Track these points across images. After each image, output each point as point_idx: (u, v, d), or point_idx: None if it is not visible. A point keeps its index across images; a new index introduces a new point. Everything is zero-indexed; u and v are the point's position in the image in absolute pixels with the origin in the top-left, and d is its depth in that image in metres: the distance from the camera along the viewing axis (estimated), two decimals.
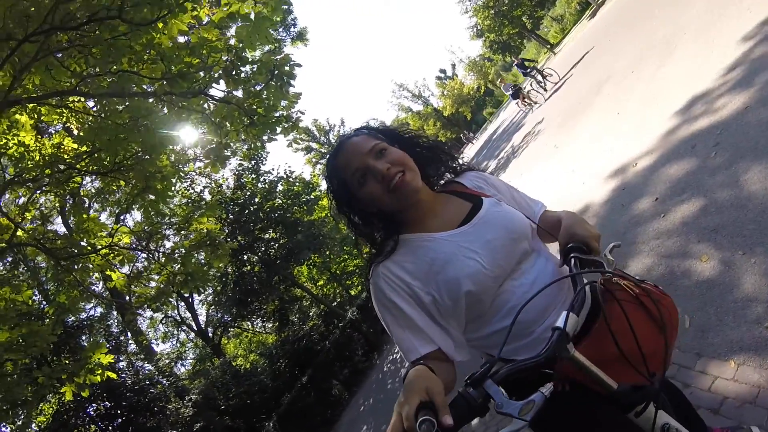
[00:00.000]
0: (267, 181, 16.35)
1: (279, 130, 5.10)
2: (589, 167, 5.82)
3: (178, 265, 5.49)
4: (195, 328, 22.20)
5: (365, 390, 10.68)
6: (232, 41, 4.67)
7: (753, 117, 3.27)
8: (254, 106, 4.76)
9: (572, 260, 1.07)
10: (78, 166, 5.10)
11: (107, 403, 11.63)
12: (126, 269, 6.02)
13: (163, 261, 5.54)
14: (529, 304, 1.01)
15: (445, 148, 1.40)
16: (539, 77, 15.65)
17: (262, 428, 11.82)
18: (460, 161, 1.43)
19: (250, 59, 4.54)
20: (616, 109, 6.64)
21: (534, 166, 8.90)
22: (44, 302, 11.62)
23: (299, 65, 4.77)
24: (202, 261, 6.10)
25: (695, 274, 2.69)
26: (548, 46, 30.04)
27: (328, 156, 1.32)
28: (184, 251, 5.58)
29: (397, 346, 1.18)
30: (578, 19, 27.90)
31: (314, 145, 46.01)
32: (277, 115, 4.94)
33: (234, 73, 4.46)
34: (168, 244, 6.82)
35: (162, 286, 5.59)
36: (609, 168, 5.17)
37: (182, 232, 6.08)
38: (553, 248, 1.28)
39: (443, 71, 60.60)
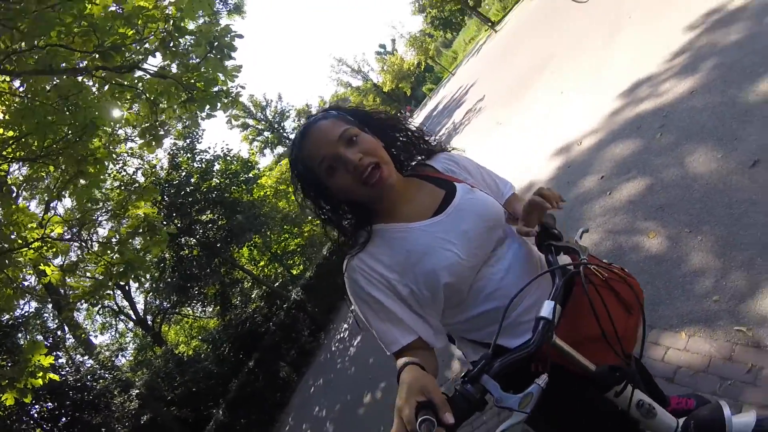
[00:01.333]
0: (203, 160, 15.78)
1: (219, 105, 4.84)
2: (533, 144, 5.94)
3: (115, 254, 5.18)
4: (134, 317, 21.33)
5: (314, 370, 10.65)
6: (170, 10, 4.32)
7: (698, 101, 3.40)
8: (192, 81, 4.48)
9: (550, 247, 1.09)
10: (4, 152, 4.67)
11: (50, 403, 11.12)
12: (59, 261, 5.60)
13: (98, 251, 5.20)
14: (503, 289, 1.12)
15: (419, 131, 1.34)
16: None
17: (211, 416, 11.56)
18: (432, 142, 1.37)
19: (188, 30, 4.23)
20: (560, 88, 6.78)
21: (476, 142, 8.98)
22: None
23: (240, 36, 4.52)
24: (139, 248, 5.77)
25: (643, 250, 2.79)
26: (489, 24, 30.40)
27: (293, 138, 1.24)
28: (120, 239, 5.24)
29: (377, 337, 1.15)
30: None
31: (251, 122, 44.56)
32: (216, 89, 4.67)
33: (171, 44, 4.15)
34: (102, 232, 6.42)
35: (100, 277, 5.26)
36: (553, 146, 5.28)
37: (117, 218, 5.70)
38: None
39: (383, 46, 60.24)
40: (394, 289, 1.13)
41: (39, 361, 5.00)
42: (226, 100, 4.90)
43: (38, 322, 14.67)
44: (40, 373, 5.00)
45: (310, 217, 21.16)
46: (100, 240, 5.52)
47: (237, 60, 4.80)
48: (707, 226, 2.50)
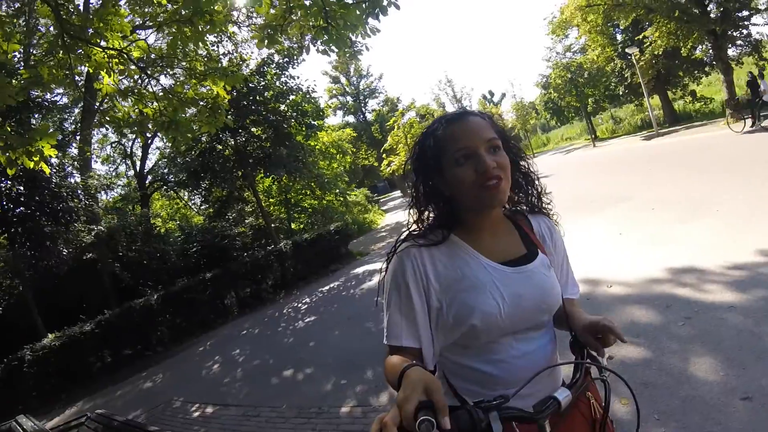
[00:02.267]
0: (286, 83, 15.93)
1: (341, 51, 4.91)
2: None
3: (171, 107, 5.25)
4: (137, 168, 21.62)
5: (256, 318, 10.72)
6: None
7: (731, 317, 3.40)
8: (336, 15, 4.54)
9: (585, 351, 1.16)
10: None
11: (21, 188, 11.10)
12: (120, 79, 5.68)
13: (159, 93, 5.29)
14: (511, 365, 1.15)
15: (539, 184, 1.35)
16: None
17: (143, 294, 11.65)
18: (544, 203, 1.37)
19: None
20: (621, 229, 6.80)
21: None
22: (21, 63, 10.91)
23: (398, 7, 4.59)
24: (193, 118, 5.87)
25: (610, 409, 2.80)
26: (593, 136, 30.37)
27: (441, 116, 1.24)
28: (183, 97, 5.32)
29: (384, 321, 1.19)
30: (632, 132, 28.29)
31: (343, 80, 45.06)
32: (348, 37, 4.75)
33: None
34: (166, 83, 6.50)
35: (144, 116, 5.33)
36: (585, 274, 5.28)
37: (192, 80, 5.78)
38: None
39: (491, 94, 60.30)
40: (429, 295, 1.15)
41: (43, 147, 4.95)
42: (349, 50, 4.99)
43: (58, 116, 15.00)
44: (37, 158, 4.97)
45: (337, 191, 21.52)
46: (167, 88, 5.58)
47: (379, 23, 4.88)
48: (675, 424, 2.52)
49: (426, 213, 1.26)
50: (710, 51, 17.41)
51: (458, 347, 1.18)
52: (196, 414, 5.60)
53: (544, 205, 1.37)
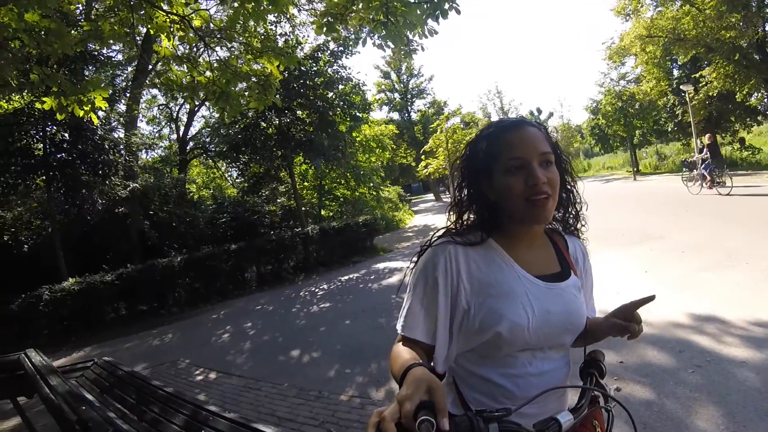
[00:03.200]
0: (337, 72, 16.11)
1: (397, 46, 4.97)
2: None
3: (224, 78, 5.41)
4: (180, 133, 22.20)
5: (273, 296, 10.94)
6: None
7: (742, 373, 3.36)
8: (396, 12, 4.60)
9: (589, 375, 1.19)
10: None
11: (66, 135, 11.44)
12: (177, 44, 5.85)
13: (215, 63, 5.44)
14: (526, 381, 1.15)
15: (579, 207, 1.34)
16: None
17: (167, 255, 11.96)
18: (581, 224, 1.37)
19: None
20: (647, 267, 6.72)
21: None
22: (83, 16, 11.28)
23: (458, 12, 4.61)
24: (244, 92, 6.02)
25: None
26: (635, 169, 29.68)
27: (498, 121, 1.24)
28: (237, 71, 5.45)
29: (401, 311, 1.19)
30: (675, 171, 27.50)
31: (393, 76, 45.12)
32: (406, 35, 4.82)
33: None
34: (222, 55, 6.66)
35: (197, 84, 5.49)
36: (604, 305, 5.18)
37: (249, 55, 5.91)
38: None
39: (539, 111, 59.44)
40: (457, 295, 1.14)
41: (95, 98, 5.10)
42: (405, 48, 5.05)
43: (110, 72, 15.40)
44: (88, 108, 5.13)
45: (371, 185, 21.64)
46: (221, 58, 5.71)
47: (438, 25, 4.92)
48: None
49: (467, 214, 1.26)
50: (766, 100, 16.83)
51: (476, 356, 1.18)
52: (199, 378, 5.78)
53: (579, 227, 1.36)
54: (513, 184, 1.11)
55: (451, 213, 1.29)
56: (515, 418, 1.07)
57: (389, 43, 5.11)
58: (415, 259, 1.24)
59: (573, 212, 1.33)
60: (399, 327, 1.19)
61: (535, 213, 1.11)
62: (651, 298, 1.19)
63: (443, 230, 1.26)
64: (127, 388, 3.20)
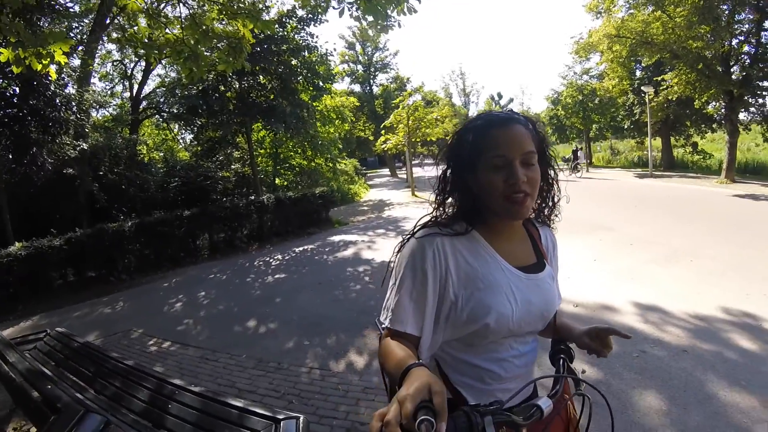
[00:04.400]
0: (303, 40, 15.65)
1: (373, 21, 4.87)
2: None
3: (193, 38, 5.15)
4: (133, 92, 21.08)
5: (226, 264, 10.71)
6: None
7: (683, 360, 3.65)
8: None
9: (560, 359, 1.27)
10: None
11: (17, 88, 10.58)
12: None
13: (185, 22, 5.15)
14: (510, 364, 1.25)
15: (557, 198, 1.38)
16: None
17: (117, 219, 11.43)
18: (555, 216, 1.43)
19: None
20: (596, 256, 7.05)
21: None
22: None
23: None
24: (213, 54, 5.75)
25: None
26: (588, 161, 30.74)
27: (488, 114, 1.24)
28: (208, 30, 5.18)
29: (388, 303, 1.21)
30: (627, 167, 28.74)
31: (358, 48, 44.33)
32: (386, 10, 4.71)
33: None
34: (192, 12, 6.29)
35: (164, 41, 5.20)
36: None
37: (222, 15, 5.61)
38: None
39: (500, 96, 60.16)
40: (445, 287, 1.17)
41: (55, 51, 4.78)
42: (381, 23, 4.96)
43: (66, 23, 14.35)
44: (47, 61, 4.81)
45: (328, 156, 21.39)
46: (193, 16, 5.41)
47: (417, 4, 4.85)
48: None
49: (449, 201, 1.28)
50: (722, 110, 17.72)
51: (462, 344, 1.22)
52: (153, 348, 5.59)
53: (552, 218, 1.42)
54: (494, 181, 1.14)
55: (433, 197, 1.30)
56: (498, 393, 1.20)
57: (368, 16, 5.00)
58: (398, 249, 1.26)
59: (550, 205, 1.38)
60: (386, 321, 1.19)
61: (513, 210, 1.15)
62: (627, 337, 1.33)
63: (427, 218, 1.28)
64: (84, 360, 3.07)
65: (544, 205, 1.37)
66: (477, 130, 1.20)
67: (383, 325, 1.21)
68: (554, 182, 1.34)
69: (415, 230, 1.25)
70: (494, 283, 1.18)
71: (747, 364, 3.51)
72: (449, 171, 1.27)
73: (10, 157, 11.22)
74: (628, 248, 7.34)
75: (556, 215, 1.42)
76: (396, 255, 1.26)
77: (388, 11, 4.96)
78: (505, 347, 1.23)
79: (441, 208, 1.29)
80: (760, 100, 17.21)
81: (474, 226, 1.24)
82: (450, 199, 1.28)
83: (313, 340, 5.11)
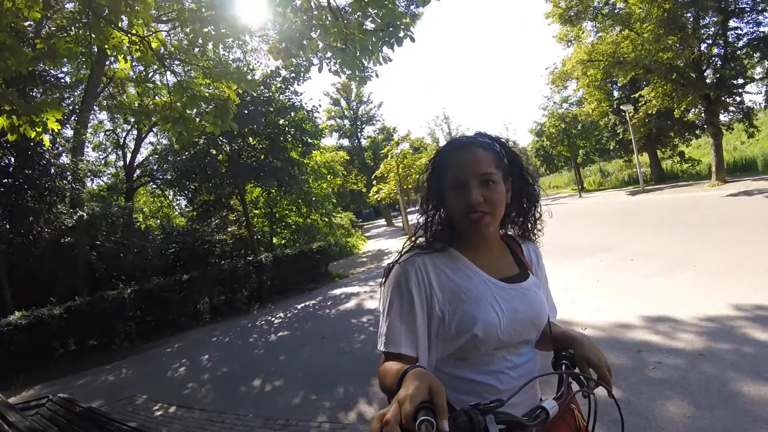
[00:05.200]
0: (289, 99, 16.08)
1: (352, 74, 5.02)
2: None
3: (180, 102, 5.28)
4: (127, 160, 21.42)
5: (228, 326, 10.54)
6: None
7: (701, 364, 3.54)
8: (354, 39, 4.66)
9: (563, 365, 1.22)
10: None
11: (12, 158, 10.81)
12: (132, 66, 5.67)
13: (173, 86, 5.30)
14: (505, 376, 1.22)
15: (539, 214, 1.42)
16: None
17: (116, 287, 11.37)
18: (538, 231, 1.45)
19: (384, 1, 4.47)
20: (599, 276, 6.97)
21: None
22: (33, 35, 10.83)
23: (413, 40, 4.75)
24: (200, 117, 5.88)
25: None
26: (580, 186, 31.00)
27: (452, 140, 1.32)
28: (195, 94, 5.33)
29: (381, 329, 1.21)
30: (618, 187, 28.99)
31: (343, 103, 45.49)
32: (362, 62, 4.88)
33: (365, 1, 4.38)
34: (178, 77, 6.48)
35: (153, 107, 5.34)
36: (560, 315, 5.35)
37: (207, 79, 5.79)
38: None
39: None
40: (431, 304, 1.19)
41: (48, 119, 4.89)
42: (359, 74, 5.12)
43: (58, 94, 14.72)
44: (40, 128, 4.91)
45: (323, 211, 21.52)
46: (180, 82, 5.58)
47: (393, 53, 5.02)
48: None
49: (432, 221, 1.32)
50: (702, 114, 18.11)
51: (455, 359, 1.22)
52: (159, 413, 5.44)
53: (535, 234, 1.44)
54: (455, 202, 1.21)
55: (419, 222, 1.35)
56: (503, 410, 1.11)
57: (345, 70, 5.16)
58: (384, 277, 1.29)
59: (532, 222, 1.41)
60: (381, 345, 1.20)
61: (474, 228, 1.21)
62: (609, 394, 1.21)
63: (410, 245, 1.32)
64: (87, 424, 2.97)
65: (523, 221, 1.41)
66: (442, 156, 1.29)
67: (378, 350, 1.21)
68: (535, 198, 1.39)
69: (398, 258, 1.28)
70: (478, 295, 1.20)
71: (767, 356, 3.43)
72: (429, 194, 1.32)
73: (7, 226, 11.26)
74: (629, 264, 7.29)
75: (540, 230, 1.45)
76: (382, 284, 1.28)
77: (364, 62, 5.12)
78: (499, 359, 1.23)
79: (424, 232, 1.33)
80: (738, 98, 17.62)
81: (453, 244, 1.29)
82: (433, 219, 1.33)
83: (321, 393, 4.95)
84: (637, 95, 19.77)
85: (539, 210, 1.41)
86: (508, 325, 1.19)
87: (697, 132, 23.60)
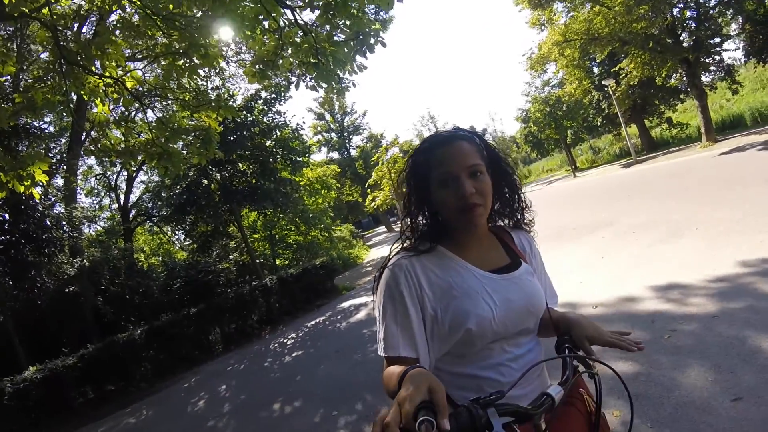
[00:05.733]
0: (273, 120, 16.13)
1: (330, 86, 5.05)
2: (553, 285, 6.01)
3: (163, 138, 5.29)
4: (121, 201, 21.45)
5: (242, 354, 10.50)
6: None
7: (716, 326, 3.51)
8: (326, 53, 4.68)
9: (565, 349, 1.19)
10: None
11: (6, 215, 10.88)
12: (112, 107, 5.70)
13: (153, 124, 5.33)
14: (507, 368, 1.20)
15: (525, 202, 1.42)
16: None
17: (126, 329, 11.37)
18: (527, 219, 1.44)
19: (350, 9, 4.48)
20: (603, 253, 6.94)
21: None
22: (11, 89, 10.89)
23: (384, 45, 4.76)
24: (185, 150, 5.90)
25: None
26: (573, 166, 31.03)
27: (432, 136, 1.31)
28: (176, 128, 5.35)
29: (378, 335, 1.21)
30: (611, 161, 29.03)
31: (328, 117, 45.63)
32: (337, 73, 4.89)
33: (332, 13, 4.41)
34: (159, 114, 6.53)
35: (136, 146, 5.35)
36: (570, 297, 5.38)
37: (186, 111, 5.82)
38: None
39: (473, 129, 61.28)
40: (423, 304, 1.19)
41: (34, 172, 4.92)
42: (337, 86, 5.14)
43: (44, 144, 14.81)
44: (28, 182, 4.95)
45: (321, 226, 21.54)
46: (159, 117, 5.60)
47: (366, 60, 5.04)
48: (668, 430, 2.55)
49: (418, 222, 1.32)
50: (684, 78, 18.16)
51: (453, 357, 1.21)
52: None
53: (525, 221, 1.43)
54: (445, 197, 1.20)
55: (403, 222, 1.35)
56: (507, 400, 1.08)
57: (322, 84, 5.18)
58: (375, 283, 1.29)
59: (518, 211, 1.41)
60: (381, 351, 1.19)
61: (467, 221, 1.20)
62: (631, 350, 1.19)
63: (398, 248, 1.32)
64: None
65: (510, 211, 1.40)
66: (424, 153, 1.27)
67: (381, 354, 1.20)
68: (517, 187, 1.39)
69: (387, 261, 1.28)
70: (468, 290, 1.19)
71: None
72: (411, 194, 1.31)
73: (11, 283, 11.30)
74: (631, 237, 7.27)
75: (531, 218, 1.45)
76: (374, 290, 1.29)
77: (339, 73, 5.13)
78: (498, 352, 1.21)
79: (410, 233, 1.32)
80: (717, 57, 17.68)
81: (440, 242, 1.28)
82: (419, 220, 1.32)
83: (341, 408, 4.91)
84: (617, 68, 19.87)
85: (523, 198, 1.41)
86: (502, 317, 1.17)
87: (682, 96, 23.71)
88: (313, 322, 11.08)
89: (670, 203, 8.76)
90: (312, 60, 4.78)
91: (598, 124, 28.76)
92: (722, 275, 4.42)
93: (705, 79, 18.36)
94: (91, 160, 19.55)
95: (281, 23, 4.83)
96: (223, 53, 11.45)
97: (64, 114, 9.43)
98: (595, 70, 25.25)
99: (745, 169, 9.45)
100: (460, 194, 1.16)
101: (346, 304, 11.95)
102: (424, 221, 1.31)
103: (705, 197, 8.10)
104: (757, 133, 16.14)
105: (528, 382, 1.20)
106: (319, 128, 45.08)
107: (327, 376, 6.38)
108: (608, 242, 7.54)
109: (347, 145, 45.72)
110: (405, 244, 1.32)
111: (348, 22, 4.58)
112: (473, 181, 1.18)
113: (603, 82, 22.16)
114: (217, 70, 12.88)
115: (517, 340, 1.23)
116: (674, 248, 5.89)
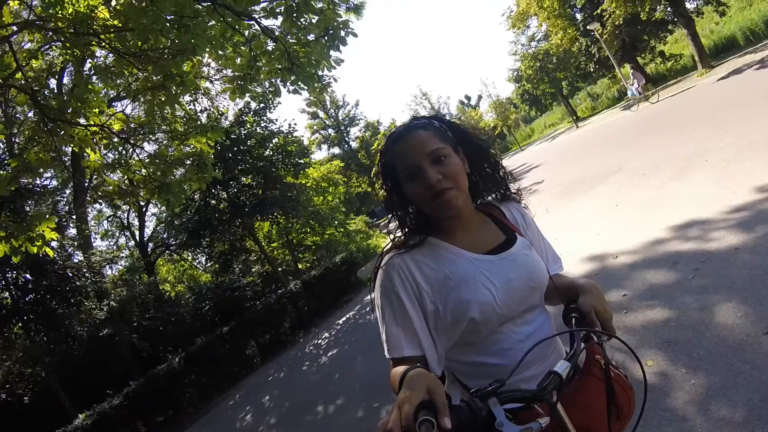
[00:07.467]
0: (267, 129, 16.15)
1: (310, 86, 5.03)
2: (570, 242, 5.97)
3: (159, 171, 5.33)
4: (137, 238, 21.72)
5: (280, 362, 10.66)
6: None
7: (739, 258, 3.44)
8: (298, 55, 4.66)
9: (573, 319, 1.14)
10: (102, 36, 4.87)
11: (28, 275, 11.17)
12: (104, 153, 5.78)
13: (146, 161, 5.37)
14: (518, 351, 1.13)
15: (506, 171, 1.39)
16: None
17: (164, 360, 11.61)
18: (513, 190, 1.41)
19: (314, 8, 4.44)
20: (616, 201, 6.85)
21: None
22: (6, 154, 11.10)
23: (355, 35, 4.73)
24: (182, 178, 5.95)
25: (636, 373, 2.79)
26: (574, 117, 30.59)
27: (391, 133, 1.28)
28: (169, 159, 5.40)
29: (381, 337, 1.19)
30: (611, 106, 28.57)
31: (321, 114, 45.53)
32: (315, 72, 4.88)
33: (295, 15, 4.37)
34: (150, 149, 6.61)
35: (134, 185, 5.42)
36: (589, 251, 5.34)
37: (175, 141, 5.88)
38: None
39: (468, 98, 60.92)
40: (422, 300, 1.16)
41: (43, 231, 4.99)
42: (317, 85, 5.12)
43: (51, 199, 15.10)
44: (39, 242, 5.00)
45: (336, 223, 21.61)
46: (151, 152, 5.67)
47: (341, 54, 5.01)
48: (703, 373, 2.52)
49: (405, 218, 1.30)
50: (669, 8, 17.70)
51: (462, 346, 1.19)
52: None
53: (512, 192, 1.41)
54: (414, 190, 1.18)
55: (391, 220, 1.34)
56: (519, 384, 1.10)
57: (302, 85, 5.16)
58: (371, 286, 1.27)
59: (502, 183, 1.38)
60: (387, 354, 1.18)
61: (442, 206, 1.17)
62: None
63: (388, 246, 1.29)
64: None
65: (493, 184, 1.38)
66: (388, 151, 1.25)
67: (386, 356, 1.18)
68: (496, 160, 1.36)
69: (380, 262, 1.25)
70: (466, 277, 1.16)
71: None
72: (389, 193, 1.30)
73: (46, 338, 11.61)
74: (642, 179, 7.16)
75: (518, 188, 1.43)
76: (371, 292, 1.27)
77: (318, 72, 5.11)
78: (506, 335, 1.18)
79: (401, 230, 1.30)
80: None
81: (429, 233, 1.25)
82: (405, 217, 1.30)
83: (381, 399, 4.94)
84: (599, 11, 19.45)
85: (505, 171, 1.38)
86: (504, 298, 1.14)
87: (670, 27, 23.16)
88: (343, 319, 11.19)
89: (675, 138, 8.61)
90: (287, 65, 4.76)
91: (592, 70, 28.24)
92: (739, 204, 4.34)
93: (690, 6, 17.90)
94: (99, 205, 19.82)
95: (248, 35, 4.82)
96: (204, 74, 11.47)
97: (63, 169, 9.61)
98: (578, 16, 24.68)
99: (746, 91, 9.23)
100: (427, 184, 1.14)
101: (372, 295, 12.01)
102: (411, 216, 1.29)
103: (710, 126, 7.94)
104: (752, 52, 15.73)
105: (541, 359, 1.17)
106: (315, 127, 45.06)
107: (364, 369, 6.45)
108: (620, 188, 7.44)
109: (346, 138, 45.67)
110: (396, 240, 1.30)
111: (314, 20, 4.56)
112: (438, 167, 1.15)
113: (588, 27, 21.72)
114: (201, 93, 12.94)
115: (525, 317, 1.20)
116: (687, 184, 5.79)
